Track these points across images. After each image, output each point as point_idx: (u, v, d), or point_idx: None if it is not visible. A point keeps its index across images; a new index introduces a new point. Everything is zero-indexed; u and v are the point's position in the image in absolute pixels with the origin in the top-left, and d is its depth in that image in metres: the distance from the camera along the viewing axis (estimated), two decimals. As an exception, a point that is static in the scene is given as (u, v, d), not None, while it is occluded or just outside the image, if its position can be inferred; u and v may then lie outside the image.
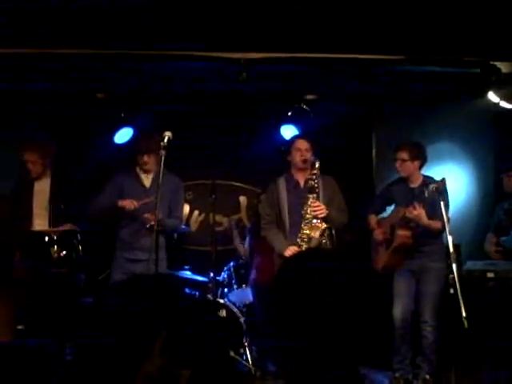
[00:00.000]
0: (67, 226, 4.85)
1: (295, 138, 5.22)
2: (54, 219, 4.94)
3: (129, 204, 4.71)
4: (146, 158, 4.85)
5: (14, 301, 4.75)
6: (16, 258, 4.76)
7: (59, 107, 6.02)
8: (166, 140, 4.33)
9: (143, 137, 4.99)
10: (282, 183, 5.01)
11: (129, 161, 5.00)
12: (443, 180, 4.51)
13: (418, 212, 4.75)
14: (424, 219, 4.78)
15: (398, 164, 5.03)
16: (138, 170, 4.96)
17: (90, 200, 4.87)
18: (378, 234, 5.17)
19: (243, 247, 6.17)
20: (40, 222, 4.94)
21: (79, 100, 6.00)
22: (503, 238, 5.51)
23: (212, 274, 5.36)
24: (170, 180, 4.79)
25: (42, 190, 5.02)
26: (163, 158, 4.30)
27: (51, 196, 4.98)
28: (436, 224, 4.74)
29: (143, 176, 4.95)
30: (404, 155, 5.00)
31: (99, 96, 5.96)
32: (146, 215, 4.68)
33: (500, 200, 5.70)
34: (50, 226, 4.89)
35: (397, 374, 5.04)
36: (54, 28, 4.43)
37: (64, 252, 4.73)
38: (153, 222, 4.41)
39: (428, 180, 4.90)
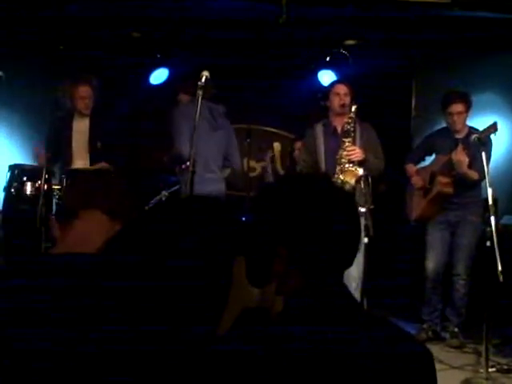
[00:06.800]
0: (101, 165, 4.83)
1: (334, 82, 5.14)
2: (92, 158, 4.93)
3: None
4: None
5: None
6: None
7: (96, 47, 5.94)
8: (203, 80, 4.23)
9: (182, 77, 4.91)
10: (319, 129, 4.93)
11: (165, 101, 4.94)
12: (495, 124, 4.29)
13: (462, 158, 4.64)
14: (464, 166, 4.67)
15: (455, 117, 4.89)
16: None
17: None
18: (417, 181, 5.07)
19: None
20: (80, 162, 4.93)
21: (115, 39, 5.91)
22: None
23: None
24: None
25: (80, 129, 5.00)
26: (200, 98, 4.22)
27: (90, 135, 4.96)
28: (473, 174, 4.70)
29: None
30: (460, 107, 4.88)
31: (135, 35, 5.86)
32: None
33: None
34: (90, 165, 4.89)
35: (425, 325, 5.03)
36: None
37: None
38: None
39: (473, 130, 4.76)
